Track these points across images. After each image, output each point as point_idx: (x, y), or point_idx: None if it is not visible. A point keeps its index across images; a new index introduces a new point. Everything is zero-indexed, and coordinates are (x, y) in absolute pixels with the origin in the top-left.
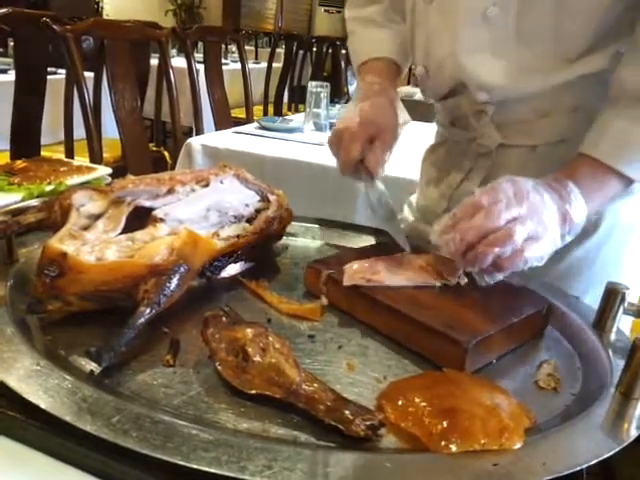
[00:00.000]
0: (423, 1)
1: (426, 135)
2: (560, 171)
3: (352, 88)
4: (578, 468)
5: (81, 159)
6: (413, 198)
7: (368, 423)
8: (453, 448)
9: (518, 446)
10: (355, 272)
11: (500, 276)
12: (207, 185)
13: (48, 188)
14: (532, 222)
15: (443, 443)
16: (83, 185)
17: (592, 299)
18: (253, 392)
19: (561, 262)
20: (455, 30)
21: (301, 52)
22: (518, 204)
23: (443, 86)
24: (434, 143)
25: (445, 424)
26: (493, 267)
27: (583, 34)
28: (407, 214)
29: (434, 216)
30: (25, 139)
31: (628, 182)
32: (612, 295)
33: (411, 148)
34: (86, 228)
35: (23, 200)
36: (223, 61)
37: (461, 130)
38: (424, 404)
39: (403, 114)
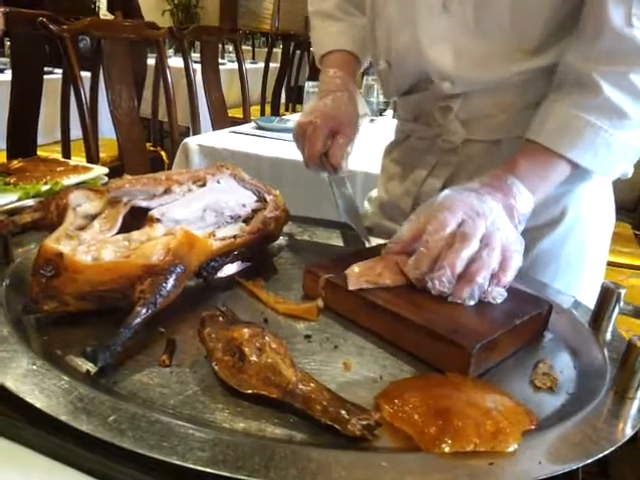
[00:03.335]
0: None
1: (387, 129)
2: (501, 165)
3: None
4: (574, 467)
5: (78, 159)
6: (374, 193)
7: (364, 423)
8: (445, 449)
9: (512, 448)
10: (359, 275)
11: (504, 291)
12: (204, 185)
13: (44, 188)
14: (500, 233)
15: (435, 443)
16: (79, 185)
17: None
18: (249, 392)
19: (528, 255)
20: (416, 21)
21: (298, 52)
22: (480, 218)
23: (406, 79)
24: (395, 139)
25: (438, 424)
26: (494, 284)
27: (539, 25)
28: (368, 209)
29: (397, 212)
30: (21, 139)
31: (574, 166)
32: (608, 295)
33: (372, 143)
34: (82, 228)
35: (19, 200)
36: (220, 61)
37: (425, 126)
38: (419, 404)
39: (363, 107)
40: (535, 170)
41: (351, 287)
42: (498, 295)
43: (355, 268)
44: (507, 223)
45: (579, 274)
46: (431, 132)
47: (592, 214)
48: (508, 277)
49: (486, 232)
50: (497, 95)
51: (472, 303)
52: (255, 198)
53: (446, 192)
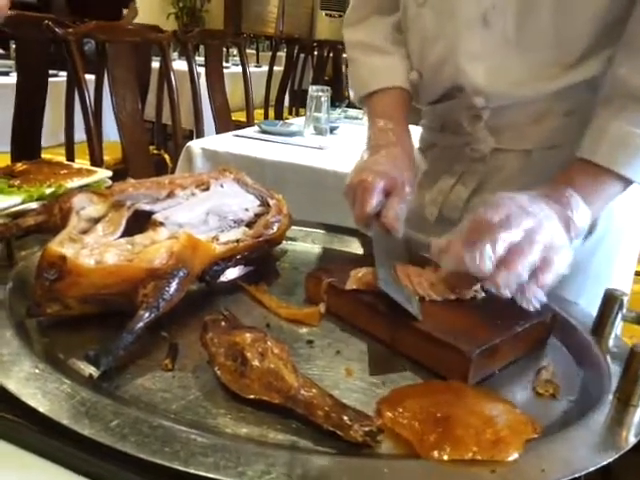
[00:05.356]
0: (415, 4)
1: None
2: (557, 178)
3: (352, 93)
4: (576, 475)
5: (82, 162)
6: None
7: (366, 429)
8: (443, 456)
9: (513, 458)
10: (360, 277)
11: (543, 295)
12: (207, 189)
13: (48, 191)
14: (545, 231)
15: (433, 450)
16: (83, 188)
17: (584, 304)
18: (252, 397)
19: None
20: (453, 34)
21: (302, 56)
22: (526, 215)
23: (438, 90)
24: (419, 147)
25: (437, 432)
26: (533, 282)
27: (582, 38)
28: None
29: (422, 222)
30: (26, 141)
31: (627, 183)
32: (610, 301)
33: None
34: (86, 231)
35: (23, 203)
36: (224, 64)
37: (452, 135)
38: (419, 411)
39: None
40: (591, 187)
41: (347, 287)
42: (535, 296)
43: (360, 272)
44: (558, 229)
45: (607, 286)
46: (459, 141)
47: (622, 224)
48: (547, 278)
49: (532, 227)
50: (530, 105)
51: (508, 294)
52: (258, 202)
53: (498, 194)
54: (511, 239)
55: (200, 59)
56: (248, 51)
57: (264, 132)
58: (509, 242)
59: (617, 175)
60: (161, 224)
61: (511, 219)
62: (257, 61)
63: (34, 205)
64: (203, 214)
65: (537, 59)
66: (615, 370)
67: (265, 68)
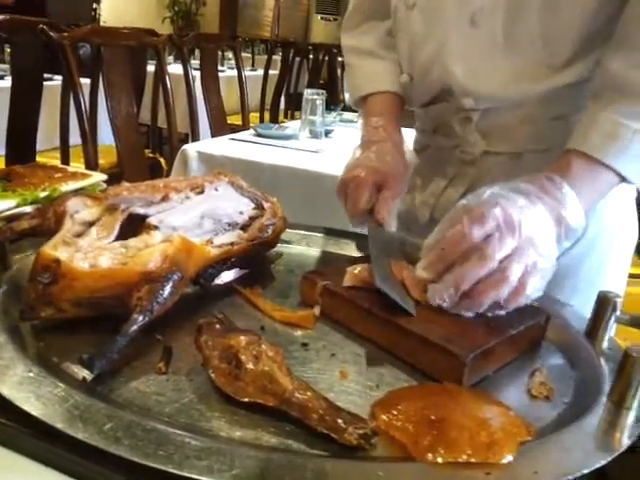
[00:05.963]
0: (405, 6)
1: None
2: (553, 169)
3: (347, 96)
4: (570, 477)
5: (76, 165)
6: None
7: (361, 432)
8: (437, 459)
9: (507, 460)
10: (357, 275)
11: (503, 312)
12: (202, 192)
13: (42, 194)
14: (528, 254)
15: (428, 453)
16: (78, 192)
17: (577, 307)
18: (246, 400)
19: None
20: (442, 35)
21: (297, 59)
22: (511, 234)
23: (428, 92)
24: (414, 149)
25: (432, 434)
26: (495, 307)
27: (569, 41)
28: None
29: (414, 223)
30: (21, 145)
31: (619, 177)
32: (604, 304)
33: None
34: (80, 235)
35: (17, 206)
36: (219, 68)
37: (444, 137)
38: (414, 413)
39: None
40: (584, 178)
41: (345, 284)
42: (494, 312)
43: (357, 268)
44: (547, 240)
45: (599, 289)
46: (450, 143)
47: (614, 228)
48: (511, 305)
49: (512, 252)
50: (519, 108)
51: (468, 314)
52: (253, 205)
53: (493, 191)
54: (480, 274)
55: (195, 63)
56: (243, 55)
57: (259, 135)
58: (477, 278)
59: (607, 166)
60: (155, 227)
61: (491, 241)
62: (252, 65)
63: (28, 209)
64: (197, 217)
65: (524, 61)
66: (609, 372)
67: (260, 72)
